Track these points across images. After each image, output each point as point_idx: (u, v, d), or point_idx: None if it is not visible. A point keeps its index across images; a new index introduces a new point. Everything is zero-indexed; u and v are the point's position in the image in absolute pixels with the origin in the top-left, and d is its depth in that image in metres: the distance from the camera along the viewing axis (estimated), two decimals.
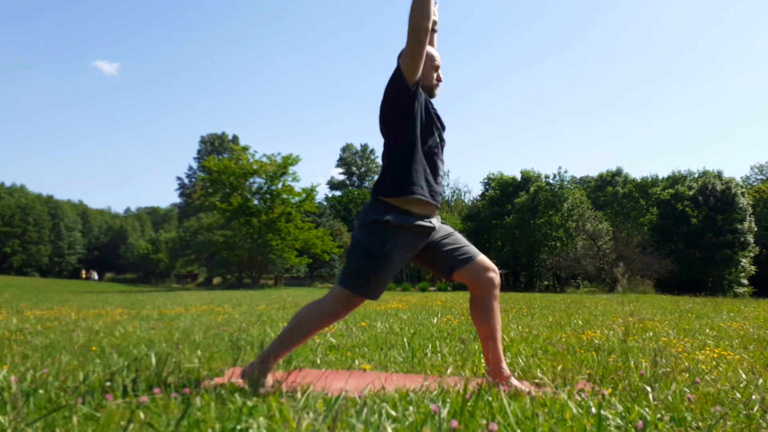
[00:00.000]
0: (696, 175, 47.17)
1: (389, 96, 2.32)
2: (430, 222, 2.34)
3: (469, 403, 1.64)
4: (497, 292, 2.42)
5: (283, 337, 2.32)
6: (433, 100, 2.49)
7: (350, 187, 63.96)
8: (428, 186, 2.32)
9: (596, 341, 3.91)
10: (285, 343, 2.32)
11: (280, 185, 34.37)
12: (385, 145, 2.37)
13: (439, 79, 2.48)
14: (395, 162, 2.30)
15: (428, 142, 2.34)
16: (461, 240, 2.46)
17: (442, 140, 2.43)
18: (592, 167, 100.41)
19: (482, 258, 2.43)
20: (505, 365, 2.41)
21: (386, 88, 2.33)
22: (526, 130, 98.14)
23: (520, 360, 3.02)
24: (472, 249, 2.44)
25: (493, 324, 2.39)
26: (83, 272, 64.36)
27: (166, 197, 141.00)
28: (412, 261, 2.42)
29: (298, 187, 34.66)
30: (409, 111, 2.29)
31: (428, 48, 2.43)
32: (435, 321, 5.92)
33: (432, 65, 2.44)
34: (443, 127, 2.46)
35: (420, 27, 2.18)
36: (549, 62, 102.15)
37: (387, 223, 2.23)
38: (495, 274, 2.42)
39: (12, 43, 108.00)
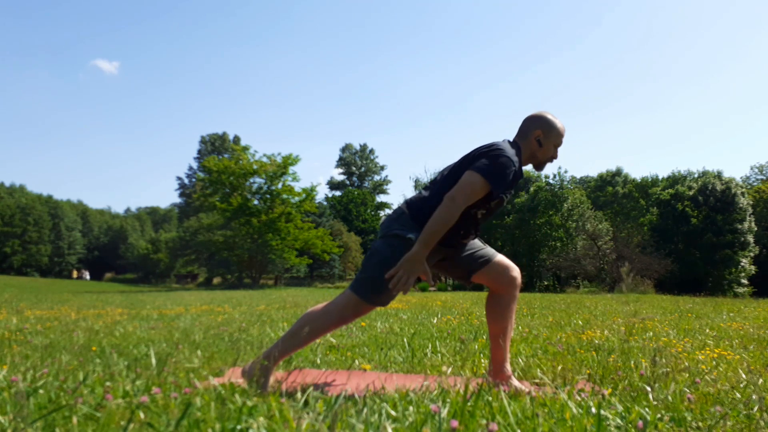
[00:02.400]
0: (696, 175, 47.19)
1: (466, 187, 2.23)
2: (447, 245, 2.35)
3: (469, 403, 1.64)
4: (517, 293, 2.43)
5: (288, 338, 2.32)
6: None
7: (350, 187, 63.91)
8: (455, 238, 2.32)
9: (596, 341, 3.91)
10: (289, 344, 2.31)
11: (280, 185, 34.38)
12: (446, 184, 2.28)
13: (554, 157, 2.44)
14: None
15: (477, 213, 2.31)
16: (477, 243, 2.46)
17: (494, 210, 2.38)
18: (592, 167, 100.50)
19: (501, 258, 2.44)
20: (508, 365, 2.42)
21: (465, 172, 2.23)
22: None
23: (520, 360, 3.02)
24: (490, 250, 2.45)
25: (506, 324, 2.40)
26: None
27: (166, 197, 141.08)
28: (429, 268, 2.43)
29: (298, 187, 34.73)
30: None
31: (559, 124, 2.42)
32: (435, 321, 5.92)
33: (555, 142, 2.41)
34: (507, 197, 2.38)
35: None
36: (549, 62, 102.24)
37: (409, 241, 2.23)
38: (517, 273, 2.42)
39: (11, 42, 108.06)
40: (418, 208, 2.30)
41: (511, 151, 2.25)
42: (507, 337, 2.41)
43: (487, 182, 2.17)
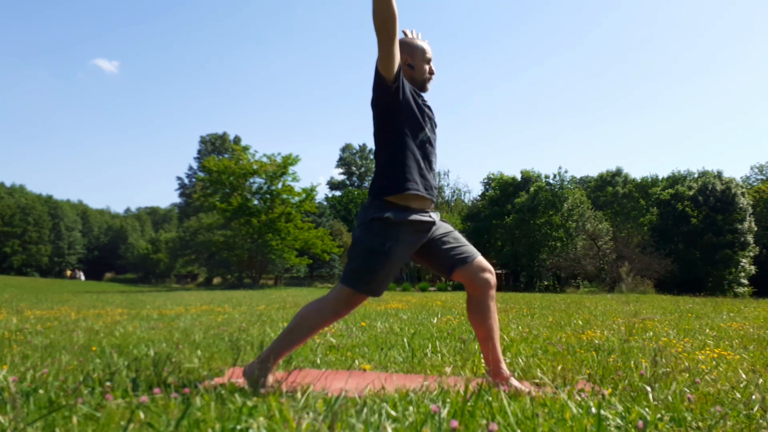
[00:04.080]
0: (696, 175, 47.17)
1: (374, 96, 2.33)
2: (430, 216, 2.34)
3: (469, 403, 1.64)
4: (493, 292, 2.42)
5: (285, 337, 2.32)
6: (428, 95, 2.49)
7: (350, 187, 63.94)
8: (422, 180, 2.32)
9: (596, 341, 3.91)
10: (286, 342, 2.32)
11: (280, 185, 34.38)
12: (377, 143, 2.38)
13: (431, 72, 2.48)
14: (388, 160, 2.31)
15: (419, 137, 2.34)
16: (460, 239, 2.46)
17: (433, 132, 2.43)
18: (592, 167, 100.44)
19: (480, 259, 2.44)
20: (504, 366, 2.40)
21: (372, 89, 2.33)
22: (526, 130, 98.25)
23: (520, 360, 3.02)
24: (471, 249, 2.45)
25: (490, 324, 2.39)
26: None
27: (166, 197, 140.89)
28: (413, 258, 2.43)
29: (298, 187, 34.72)
30: (395, 108, 2.29)
31: (420, 42, 2.47)
32: (435, 321, 5.92)
33: (423, 58, 2.45)
34: (434, 121, 2.45)
35: (385, 26, 2.15)
36: (549, 62, 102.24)
37: (387, 220, 2.23)
38: (491, 275, 2.42)
39: (11, 41, 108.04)
40: (378, 183, 2.32)
41: None
42: (495, 338, 2.39)
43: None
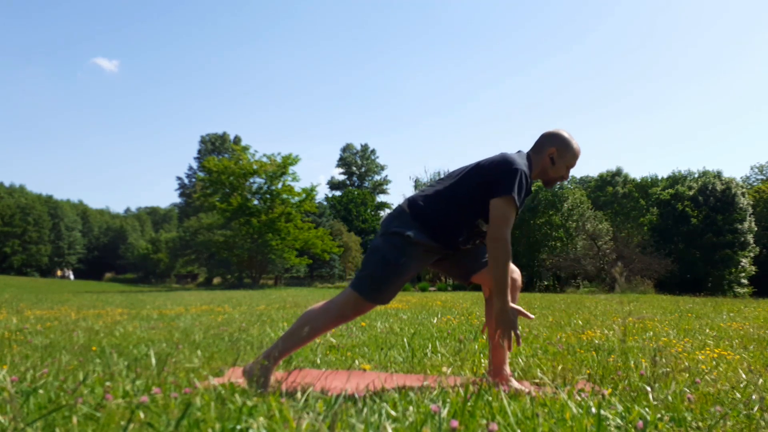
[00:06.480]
0: (696, 175, 47.17)
1: (493, 183, 2.25)
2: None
3: (469, 403, 1.64)
4: (517, 294, 2.42)
5: (288, 337, 2.32)
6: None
7: (350, 187, 63.89)
8: (453, 243, 2.32)
9: (596, 341, 3.91)
10: (289, 342, 2.32)
11: (279, 185, 34.38)
12: (454, 187, 2.33)
13: (564, 178, 2.43)
14: (448, 213, 2.29)
15: (480, 224, 2.32)
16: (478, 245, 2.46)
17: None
18: (592, 167, 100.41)
19: None
20: (507, 367, 2.41)
21: (487, 179, 2.26)
22: (526, 130, 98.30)
23: (520, 360, 3.02)
24: None
25: None
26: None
27: (166, 197, 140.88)
28: (429, 267, 2.43)
29: (298, 187, 34.71)
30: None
31: (575, 146, 2.41)
32: (435, 321, 5.92)
33: (569, 163, 2.42)
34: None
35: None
36: (549, 62, 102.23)
37: (407, 238, 2.25)
38: (517, 277, 2.42)
39: (10, 41, 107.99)
40: (419, 208, 2.31)
41: (525, 166, 2.27)
42: None
43: (515, 203, 2.20)
